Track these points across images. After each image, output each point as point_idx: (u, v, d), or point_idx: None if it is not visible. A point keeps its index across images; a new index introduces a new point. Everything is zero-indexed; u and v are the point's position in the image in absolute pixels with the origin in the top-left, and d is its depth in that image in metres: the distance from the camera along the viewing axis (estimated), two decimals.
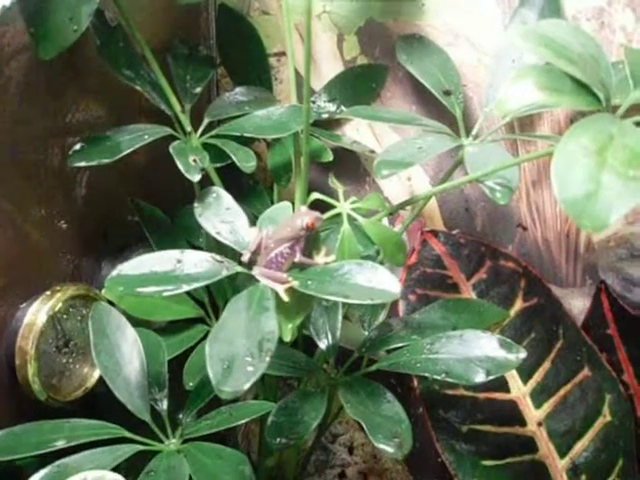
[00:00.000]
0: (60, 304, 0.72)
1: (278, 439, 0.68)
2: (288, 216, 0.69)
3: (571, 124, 0.82)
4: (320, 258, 0.67)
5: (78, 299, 0.74)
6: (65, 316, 0.73)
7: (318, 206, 0.71)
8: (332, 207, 0.73)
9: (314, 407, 0.71)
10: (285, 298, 0.62)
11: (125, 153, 0.72)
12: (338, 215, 0.73)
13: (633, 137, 0.52)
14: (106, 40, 0.75)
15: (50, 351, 0.72)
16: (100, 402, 0.71)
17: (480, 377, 0.67)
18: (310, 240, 0.66)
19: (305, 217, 0.65)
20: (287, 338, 0.64)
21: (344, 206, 0.73)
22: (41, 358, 0.70)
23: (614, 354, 0.86)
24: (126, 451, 0.64)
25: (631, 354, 0.86)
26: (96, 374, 0.76)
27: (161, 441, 0.70)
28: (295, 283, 0.62)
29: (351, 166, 0.94)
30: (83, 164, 0.72)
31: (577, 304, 0.88)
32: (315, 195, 0.74)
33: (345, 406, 0.69)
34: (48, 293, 0.72)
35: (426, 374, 0.69)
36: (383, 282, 0.60)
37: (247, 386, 0.53)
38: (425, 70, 0.83)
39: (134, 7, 0.77)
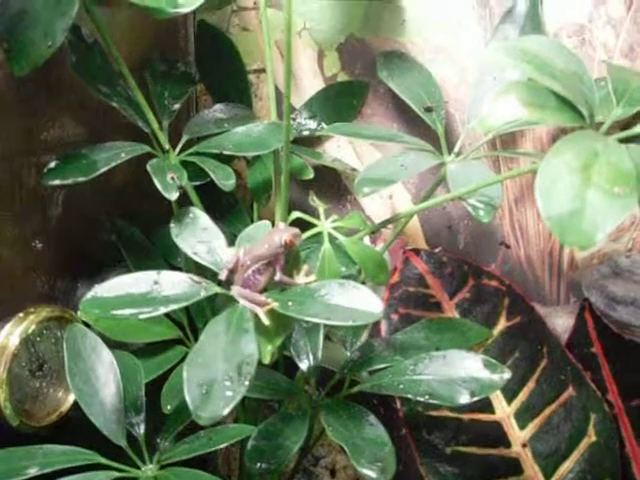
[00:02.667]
0: (34, 326, 0.70)
1: (259, 464, 0.67)
2: (266, 233, 0.68)
3: (553, 141, 0.81)
4: (300, 278, 0.65)
5: (52, 321, 0.73)
6: (39, 338, 0.71)
7: (299, 225, 0.69)
8: (313, 226, 0.72)
9: (295, 431, 0.69)
10: (266, 322, 0.61)
11: (102, 171, 0.71)
12: (319, 234, 0.72)
13: (617, 154, 0.51)
14: (82, 56, 0.74)
15: (23, 375, 0.70)
16: (75, 427, 0.69)
17: (464, 398, 0.66)
18: (290, 259, 0.65)
19: (283, 234, 0.63)
20: (267, 360, 0.63)
21: (325, 225, 0.72)
22: (14, 382, 0.69)
23: (598, 373, 0.85)
24: (101, 478, 0.62)
25: (615, 373, 0.85)
26: (71, 398, 0.74)
27: (138, 467, 0.68)
28: (275, 305, 0.61)
29: (332, 184, 0.93)
30: (58, 182, 0.70)
31: (561, 322, 0.88)
32: (296, 214, 0.73)
33: (327, 429, 0.67)
34: (21, 315, 0.70)
35: (409, 396, 0.68)
36: (365, 303, 0.59)
37: (226, 411, 0.52)
38: (406, 86, 0.82)
39: (111, 23, 0.76)
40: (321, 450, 1.02)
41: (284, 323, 0.63)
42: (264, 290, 0.64)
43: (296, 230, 0.65)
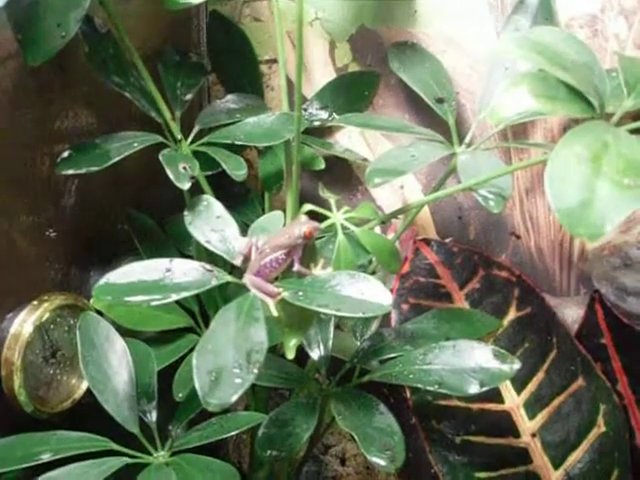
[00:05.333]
0: (47, 314, 0.71)
1: (269, 451, 0.67)
2: (288, 223, 0.69)
3: (564, 132, 0.81)
4: (318, 270, 0.66)
5: (66, 309, 0.73)
6: (52, 326, 0.72)
7: (310, 215, 0.70)
8: (324, 216, 0.73)
9: (306, 419, 0.70)
10: (275, 313, 0.61)
11: (114, 161, 0.71)
12: (331, 225, 0.72)
13: (628, 145, 0.51)
14: (95, 46, 0.75)
15: (37, 362, 0.71)
16: (88, 414, 0.69)
17: (474, 388, 0.66)
18: (308, 251, 0.66)
19: (303, 226, 0.64)
20: (291, 355, 0.63)
21: (338, 216, 0.72)
22: (28, 369, 0.69)
23: (608, 364, 0.85)
24: (114, 464, 0.63)
25: (625, 364, 0.85)
26: (84, 385, 0.75)
27: (150, 453, 0.68)
28: (285, 294, 0.61)
29: (343, 174, 0.94)
30: (72, 172, 0.71)
31: (571, 313, 0.88)
32: (308, 207, 0.73)
33: (337, 418, 0.68)
34: (35, 303, 0.71)
35: (419, 385, 0.68)
36: (375, 294, 0.59)
37: (234, 398, 0.52)
38: (418, 77, 0.82)
39: (124, 13, 0.76)
40: (331, 438, 1.03)
41: (307, 316, 0.63)
42: (276, 279, 0.65)
43: (316, 223, 0.65)
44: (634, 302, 0.85)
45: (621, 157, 0.50)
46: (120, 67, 0.76)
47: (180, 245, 0.85)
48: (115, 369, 0.68)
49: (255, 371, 0.54)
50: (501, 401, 0.84)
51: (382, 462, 0.63)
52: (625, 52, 0.79)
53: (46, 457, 0.62)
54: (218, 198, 0.73)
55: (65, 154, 0.72)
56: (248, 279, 0.63)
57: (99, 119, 0.79)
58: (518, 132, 0.84)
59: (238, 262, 0.66)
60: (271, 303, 0.61)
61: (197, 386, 0.53)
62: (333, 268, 0.67)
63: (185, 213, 0.70)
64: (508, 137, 0.85)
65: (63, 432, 0.65)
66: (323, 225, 0.72)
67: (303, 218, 0.66)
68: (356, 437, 0.65)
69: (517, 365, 0.67)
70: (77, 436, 0.65)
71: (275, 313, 0.61)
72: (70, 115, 0.75)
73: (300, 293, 0.61)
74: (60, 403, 0.74)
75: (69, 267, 0.78)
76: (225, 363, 0.54)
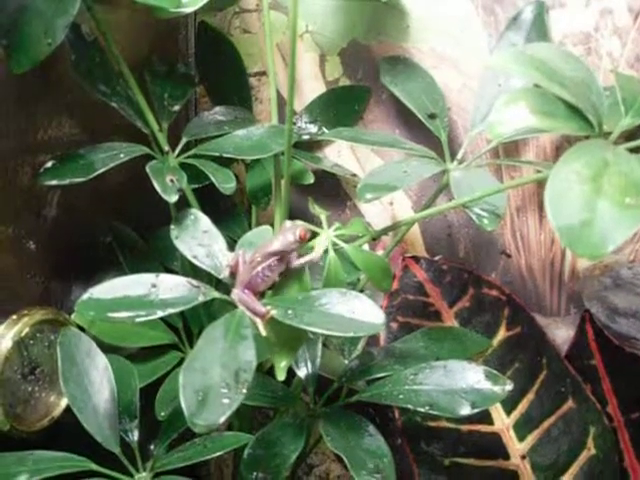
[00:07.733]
0: (27, 329, 0.69)
1: (255, 473, 0.66)
2: (276, 232, 0.68)
3: (557, 151, 0.80)
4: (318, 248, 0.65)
5: (46, 324, 0.71)
6: (32, 341, 0.70)
7: None
8: (314, 232, 0.71)
9: (294, 439, 0.68)
10: (263, 333, 0.59)
11: (99, 172, 0.70)
12: None
13: (628, 164, 0.50)
14: (82, 55, 0.73)
15: (15, 378, 0.69)
16: (67, 433, 0.67)
17: (465, 410, 0.65)
18: (294, 271, 0.64)
19: (296, 230, 0.63)
20: (281, 377, 0.62)
21: (328, 233, 0.71)
22: (5, 385, 0.67)
23: (598, 385, 0.84)
24: None
25: (615, 385, 0.84)
26: (63, 403, 0.72)
27: (131, 474, 0.67)
28: (274, 312, 0.59)
29: (331, 189, 0.92)
30: (55, 183, 0.69)
31: (561, 334, 0.87)
32: (299, 223, 0.72)
33: (325, 439, 0.66)
34: (14, 317, 0.69)
35: (409, 406, 0.66)
36: (366, 313, 0.58)
37: (222, 420, 0.51)
38: (410, 92, 0.81)
39: (111, 22, 0.74)
40: (315, 458, 1.01)
41: (297, 335, 0.62)
42: (270, 288, 0.63)
43: (305, 224, 0.64)
44: (624, 323, 0.84)
45: (622, 176, 0.49)
46: (106, 76, 0.75)
47: (164, 259, 0.84)
48: (96, 386, 0.67)
49: (244, 391, 0.52)
50: (491, 422, 0.82)
51: None
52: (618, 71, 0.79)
53: (23, 478, 0.59)
54: (204, 212, 0.71)
55: (48, 164, 0.70)
56: (237, 295, 0.62)
57: (84, 129, 0.77)
58: (510, 150, 0.84)
59: (225, 274, 0.64)
60: (260, 323, 0.60)
61: (183, 406, 0.51)
62: (323, 286, 0.65)
63: (172, 227, 0.68)
64: (500, 154, 0.84)
65: (41, 452, 0.63)
66: (314, 242, 0.70)
67: (288, 224, 0.65)
68: (346, 459, 0.63)
69: (509, 386, 0.66)
70: (55, 456, 0.64)
71: (264, 333, 0.59)
72: (54, 124, 0.74)
73: (289, 312, 0.59)
74: (38, 421, 0.71)
75: (50, 281, 0.76)
76: (213, 382, 0.52)
